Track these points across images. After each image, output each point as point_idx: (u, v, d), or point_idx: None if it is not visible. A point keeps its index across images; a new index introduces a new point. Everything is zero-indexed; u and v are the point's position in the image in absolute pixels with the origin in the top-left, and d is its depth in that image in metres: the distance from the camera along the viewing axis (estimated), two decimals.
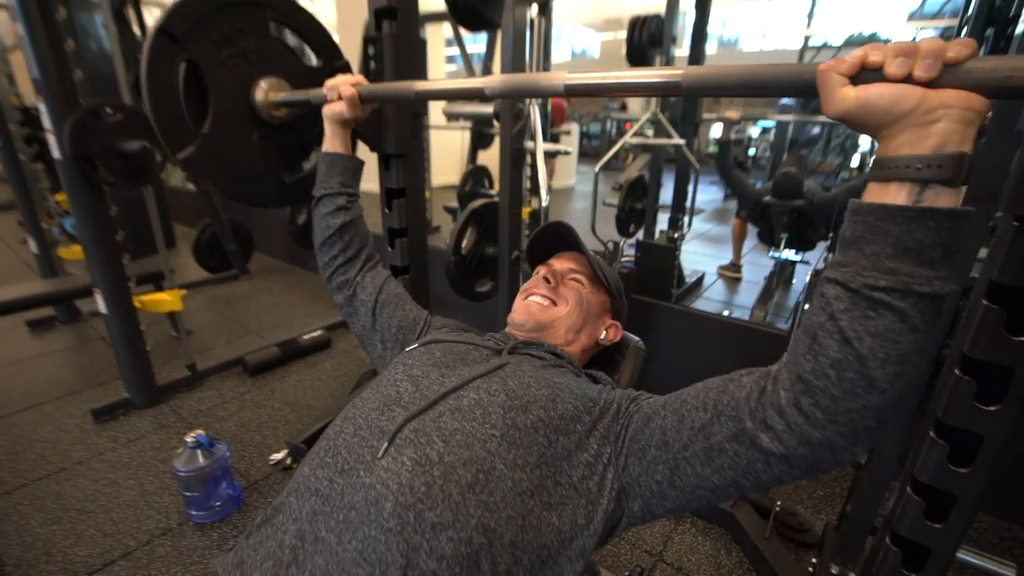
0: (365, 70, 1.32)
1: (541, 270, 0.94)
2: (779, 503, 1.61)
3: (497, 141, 2.01)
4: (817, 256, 3.43)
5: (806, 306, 1.64)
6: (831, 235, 3.09)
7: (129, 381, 2.18)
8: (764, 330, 2.18)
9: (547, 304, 0.90)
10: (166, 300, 2.28)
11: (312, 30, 1.22)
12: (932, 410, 0.87)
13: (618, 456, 0.67)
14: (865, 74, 0.45)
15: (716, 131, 11.19)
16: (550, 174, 7.61)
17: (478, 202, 1.83)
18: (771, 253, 3.33)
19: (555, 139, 4.25)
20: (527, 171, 2.61)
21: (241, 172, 1.16)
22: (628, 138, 2.91)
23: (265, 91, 1.13)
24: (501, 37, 1.61)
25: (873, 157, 0.48)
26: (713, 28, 11.25)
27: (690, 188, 3.21)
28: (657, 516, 0.67)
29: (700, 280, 3.79)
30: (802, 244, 3.20)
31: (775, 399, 0.53)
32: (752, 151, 8.92)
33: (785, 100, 5.32)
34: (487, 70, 3.76)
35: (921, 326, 0.46)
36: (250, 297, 3.59)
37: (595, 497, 0.65)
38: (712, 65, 0.57)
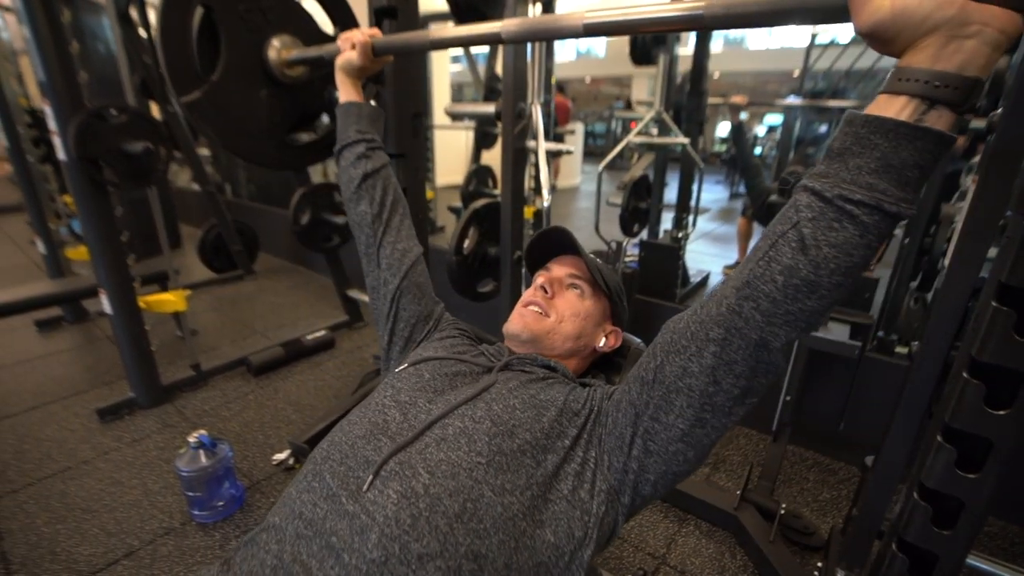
0: None
1: (539, 279, 0.92)
2: (784, 505, 1.59)
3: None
4: None
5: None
6: None
7: (134, 381, 2.19)
8: None
9: (542, 314, 0.88)
10: (170, 300, 2.29)
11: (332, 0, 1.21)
12: (939, 414, 0.85)
13: (601, 456, 0.67)
14: None
15: (721, 130, 11.14)
16: (555, 174, 7.61)
17: (480, 202, 1.82)
18: None
19: (559, 139, 4.23)
20: (530, 171, 2.60)
21: (245, 126, 1.15)
22: (632, 137, 2.89)
23: (279, 49, 1.12)
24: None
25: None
26: None
27: (695, 187, 3.18)
28: (646, 498, 0.68)
29: (705, 280, 3.77)
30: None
31: (713, 311, 0.57)
32: (758, 150, 8.86)
33: (791, 97, 5.29)
34: (490, 71, 3.75)
35: (875, 243, 0.49)
36: (255, 297, 3.61)
37: (588, 506, 0.65)
38: None
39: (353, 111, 1.00)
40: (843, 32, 5.34)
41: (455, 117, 4.11)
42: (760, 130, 10.17)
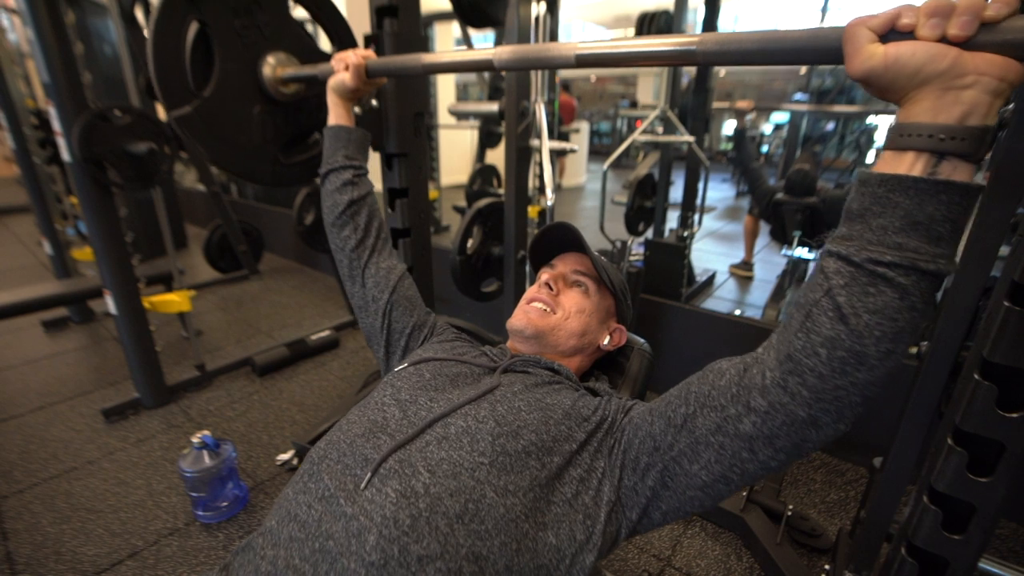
0: None
1: (543, 275, 0.92)
2: (791, 507, 1.57)
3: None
4: None
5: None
6: None
7: (139, 381, 2.20)
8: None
9: (548, 311, 0.88)
10: (175, 301, 2.29)
11: (329, 14, 1.20)
12: (950, 416, 0.84)
13: (612, 469, 0.65)
14: (894, 35, 0.43)
15: (727, 128, 11.09)
16: (560, 173, 7.59)
17: (483, 201, 1.81)
18: (784, 251, 3.27)
19: (564, 138, 4.22)
20: (534, 169, 2.59)
21: (237, 141, 1.13)
22: (637, 135, 2.87)
23: (273, 66, 1.11)
24: (506, 36, 1.60)
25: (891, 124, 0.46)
26: (724, 24, 11.14)
27: (700, 185, 3.16)
28: (655, 522, 0.66)
29: (711, 279, 3.75)
30: (815, 242, 3.14)
31: (758, 380, 0.53)
32: (765, 148, 8.81)
33: (797, 95, 5.25)
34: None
35: (919, 304, 0.45)
36: (260, 297, 3.61)
37: (592, 512, 0.63)
38: (729, 32, 0.54)
39: (343, 135, 0.99)
40: None
41: (459, 116, 4.10)
42: (767, 128, 10.11)
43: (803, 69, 6.47)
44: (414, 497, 0.58)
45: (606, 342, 0.91)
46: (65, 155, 1.82)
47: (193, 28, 1.03)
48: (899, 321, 0.45)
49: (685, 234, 3.28)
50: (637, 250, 2.89)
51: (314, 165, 1.10)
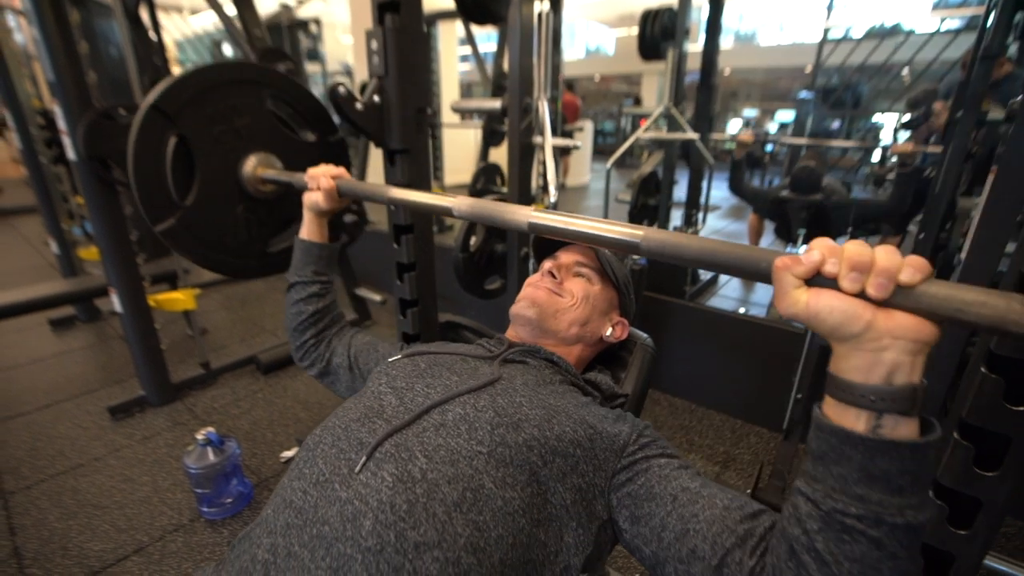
0: (369, 67, 1.31)
1: (546, 264, 0.92)
2: None
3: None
4: None
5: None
6: (850, 230, 3.02)
7: (144, 379, 2.21)
8: (781, 328, 2.13)
9: (554, 293, 0.88)
10: (180, 299, 2.30)
11: (308, 106, 1.20)
12: (956, 410, 0.83)
13: (609, 492, 0.64)
14: (820, 279, 0.44)
15: (732, 127, 11.05)
16: (564, 173, 7.58)
17: (486, 198, 1.81)
18: (788, 249, 3.26)
19: (567, 136, 4.22)
20: (538, 168, 2.58)
21: (223, 243, 1.14)
22: (641, 133, 2.86)
23: (254, 166, 1.11)
24: (509, 34, 1.60)
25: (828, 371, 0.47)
26: (730, 22, 11.10)
27: (704, 184, 3.15)
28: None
29: (715, 278, 3.73)
30: None
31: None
32: (770, 147, 8.77)
33: (803, 93, 5.23)
34: (498, 68, 3.74)
35: (900, 553, 0.43)
36: (265, 296, 3.62)
37: (584, 522, 0.63)
38: (674, 233, 0.55)
39: (314, 251, 1.01)
40: (856, 26, 5.27)
41: (462, 113, 4.10)
42: (772, 127, 10.07)
43: (808, 67, 6.45)
44: (411, 482, 0.57)
45: (608, 333, 0.91)
46: (70, 154, 1.83)
47: (172, 141, 1.03)
48: (883, 571, 0.43)
49: (689, 231, 3.26)
50: None
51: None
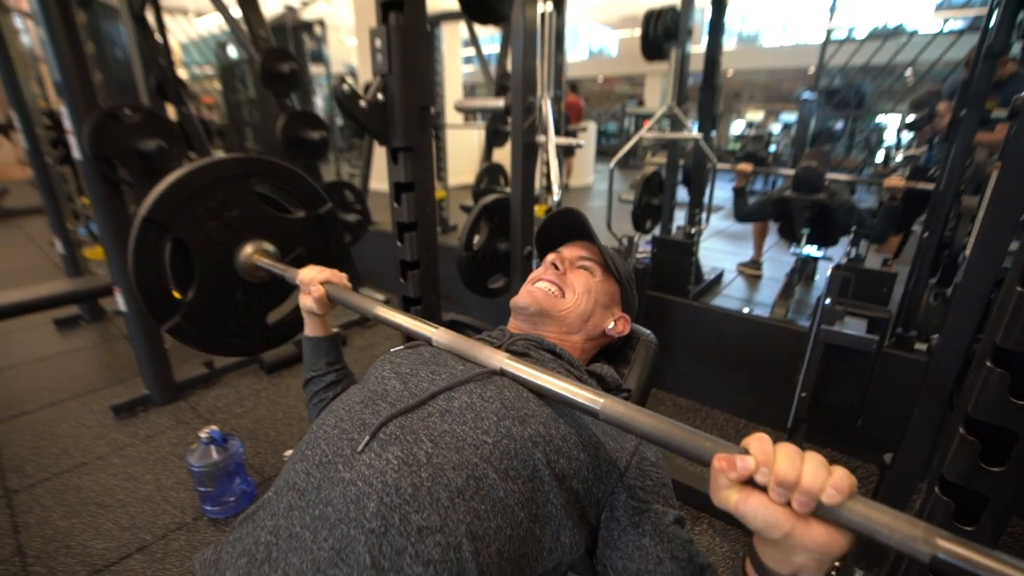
0: (373, 66, 1.31)
1: (550, 257, 0.92)
2: None
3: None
4: (840, 252, 3.35)
5: (827, 301, 1.59)
6: (854, 229, 3.01)
7: (148, 378, 2.22)
8: (785, 327, 2.12)
9: (554, 292, 0.88)
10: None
11: (294, 184, 1.21)
12: (962, 405, 0.83)
13: (602, 504, 0.66)
14: (752, 482, 0.46)
15: (735, 127, 11.04)
16: (567, 174, 7.58)
17: (489, 197, 1.81)
18: (792, 249, 3.25)
19: (571, 136, 4.22)
20: (541, 168, 2.58)
21: (226, 328, 1.16)
22: (644, 132, 2.86)
23: (249, 255, 1.12)
24: (512, 34, 1.60)
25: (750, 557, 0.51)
26: (732, 24, 11.09)
27: (708, 184, 3.14)
28: None
29: (719, 277, 3.72)
30: (824, 239, 3.12)
31: None
32: (773, 147, 8.76)
33: (806, 94, 5.22)
34: (502, 69, 3.75)
35: None
36: None
37: (578, 524, 0.63)
38: (632, 407, 0.57)
39: (322, 345, 1.01)
40: (859, 27, 5.26)
41: (466, 113, 4.10)
42: (775, 128, 10.06)
43: (811, 68, 6.43)
44: (417, 466, 0.57)
45: (611, 326, 0.91)
46: (76, 153, 1.84)
47: (168, 245, 1.05)
48: None
49: (693, 231, 3.26)
50: (644, 247, 2.88)
51: (298, 315, 1.11)
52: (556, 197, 1.73)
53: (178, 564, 1.48)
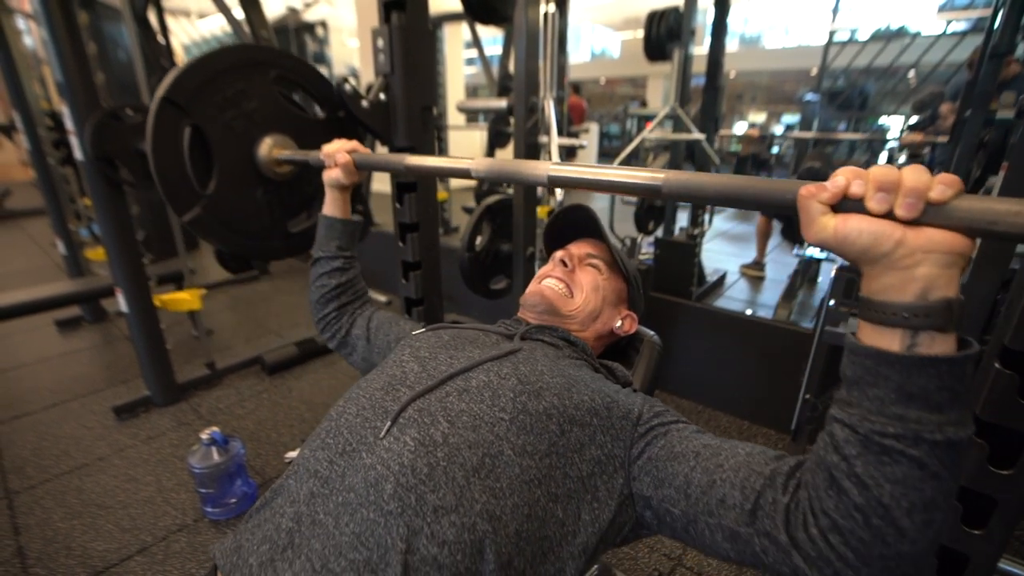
0: (375, 65, 1.31)
1: (558, 254, 0.92)
2: None
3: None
4: None
5: (831, 303, 1.58)
6: None
7: (150, 379, 2.21)
8: (788, 329, 2.11)
9: (562, 290, 0.87)
10: (185, 299, 2.31)
11: (314, 82, 1.21)
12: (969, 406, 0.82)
13: (630, 464, 0.63)
14: (846, 203, 0.43)
15: (738, 129, 11.03)
16: None
17: (492, 198, 1.80)
18: (795, 250, 3.24)
19: (573, 136, 4.22)
20: None
21: (247, 228, 1.16)
22: (647, 133, 2.86)
23: (269, 148, 1.12)
24: (514, 35, 1.59)
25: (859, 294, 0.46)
26: (735, 25, 11.09)
27: None
28: (664, 534, 0.64)
29: (722, 279, 3.71)
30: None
31: (807, 524, 0.48)
32: (776, 148, 8.75)
33: (809, 96, 5.21)
34: (504, 70, 3.75)
35: (942, 472, 0.42)
36: (270, 297, 3.63)
37: (602, 496, 0.62)
38: (695, 174, 0.54)
39: (337, 227, 1.02)
40: (862, 28, 5.25)
41: (468, 113, 4.10)
42: (778, 129, 10.04)
43: (814, 70, 6.42)
44: (432, 446, 0.58)
45: (618, 325, 0.90)
46: (78, 154, 1.84)
47: (187, 131, 1.04)
48: (925, 491, 0.42)
49: (695, 233, 3.25)
50: (647, 248, 2.87)
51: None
52: (559, 198, 1.73)
53: (179, 566, 1.47)
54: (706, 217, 3.28)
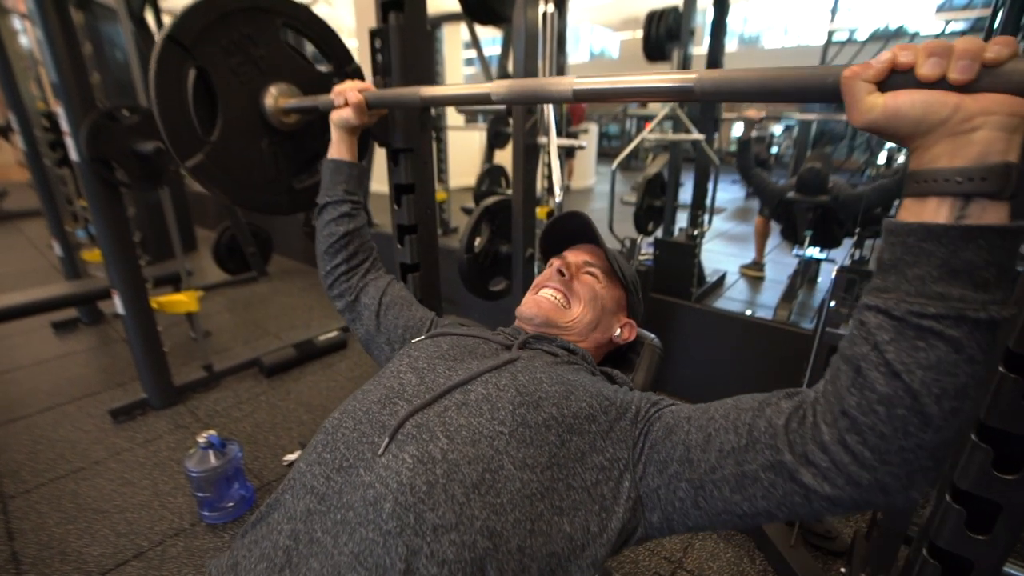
0: (373, 66, 1.30)
1: (555, 262, 0.90)
2: None
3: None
4: (843, 254, 3.33)
5: (831, 303, 1.57)
6: (857, 231, 2.99)
7: (146, 382, 2.20)
8: (788, 329, 2.10)
9: (559, 301, 0.86)
10: (182, 301, 2.30)
11: (323, 35, 1.20)
12: (973, 410, 0.81)
13: (636, 463, 0.61)
14: (894, 78, 0.41)
15: (737, 130, 11.03)
16: (569, 175, 7.57)
17: (491, 199, 1.79)
18: (795, 251, 3.23)
19: (572, 137, 4.21)
20: (543, 170, 2.57)
21: (251, 179, 1.15)
22: (647, 134, 2.85)
23: (275, 97, 1.11)
24: (513, 35, 1.58)
25: (906, 169, 0.44)
26: (734, 25, 11.09)
27: (710, 185, 3.13)
28: (677, 532, 0.62)
29: (721, 279, 3.71)
30: (827, 241, 3.10)
31: (817, 433, 0.47)
32: (775, 148, 8.75)
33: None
34: (503, 70, 3.74)
35: (978, 355, 0.41)
36: (268, 299, 3.62)
37: (609, 504, 0.60)
38: (728, 69, 0.52)
39: (344, 170, 1.00)
40: (861, 28, 5.25)
41: (467, 113, 4.08)
42: (777, 129, 10.04)
43: None
44: (431, 463, 0.56)
45: (617, 333, 0.89)
46: (74, 155, 1.83)
47: (191, 75, 1.03)
48: (959, 376, 0.41)
49: (695, 233, 3.24)
50: (647, 249, 2.86)
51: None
52: (558, 199, 1.72)
53: (175, 571, 1.46)
54: (705, 218, 3.27)
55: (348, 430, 0.64)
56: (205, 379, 2.40)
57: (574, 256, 0.92)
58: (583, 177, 8.42)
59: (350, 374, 2.57)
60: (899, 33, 4.99)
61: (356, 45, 6.70)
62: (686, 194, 3.50)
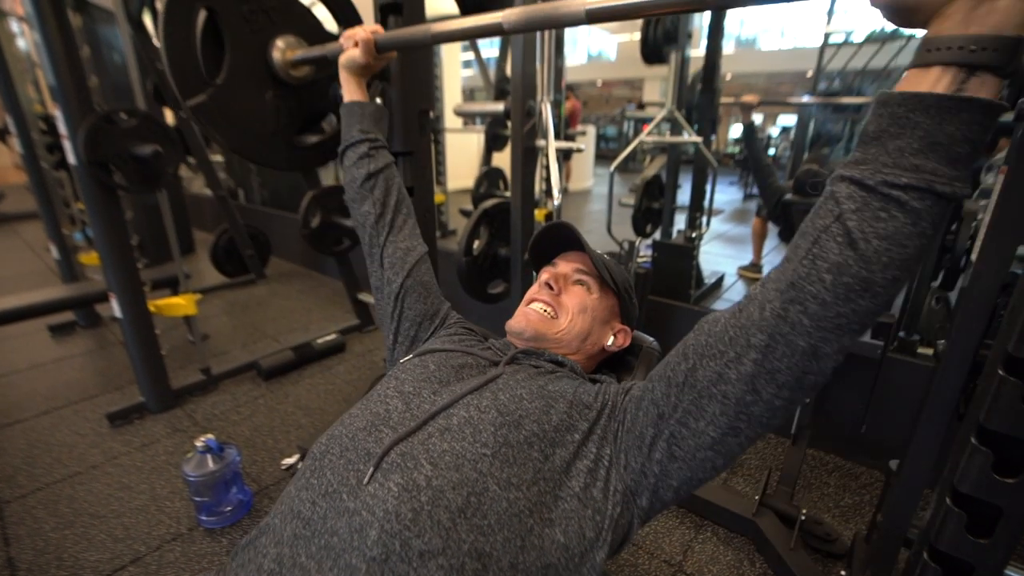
0: None
1: (544, 275, 0.89)
2: (805, 511, 1.54)
3: None
4: None
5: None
6: None
7: (144, 385, 2.19)
8: None
9: (549, 313, 0.85)
10: (180, 304, 2.29)
11: None
12: (973, 415, 0.81)
13: (618, 455, 0.63)
14: None
15: (736, 131, 11.05)
16: (566, 177, 7.57)
17: (489, 202, 1.79)
18: None
19: (570, 139, 4.21)
20: (541, 173, 2.57)
21: (252, 128, 1.15)
22: (644, 136, 2.85)
23: (283, 49, 1.12)
24: (511, 37, 1.58)
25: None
26: (731, 28, 11.13)
27: (708, 187, 3.13)
28: (667, 502, 0.64)
29: (720, 281, 3.71)
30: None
31: (756, 315, 0.52)
32: (772, 150, 8.77)
33: (805, 97, 5.21)
34: (501, 73, 3.74)
35: (929, 230, 0.45)
36: (266, 301, 3.61)
37: (601, 505, 0.61)
38: None
39: (356, 110, 0.99)
40: (857, 30, 5.26)
41: (465, 116, 4.09)
42: (774, 131, 10.07)
43: (809, 72, 6.44)
44: (416, 490, 0.57)
45: (610, 343, 0.89)
46: (71, 158, 1.82)
47: (201, 17, 1.04)
48: (908, 248, 0.45)
49: (693, 235, 3.25)
50: (645, 251, 2.86)
51: (328, 147, 1.10)
52: (556, 201, 1.72)
53: None
54: (704, 219, 3.27)
55: (335, 456, 0.64)
56: (203, 382, 2.39)
57: (565, 264, 0.91)
58: (581, 179, 8.43)
59: (348, 377, 2.57)
60: (895, 36, 5.01)
61: None
62: (684, 196, 3.51)
